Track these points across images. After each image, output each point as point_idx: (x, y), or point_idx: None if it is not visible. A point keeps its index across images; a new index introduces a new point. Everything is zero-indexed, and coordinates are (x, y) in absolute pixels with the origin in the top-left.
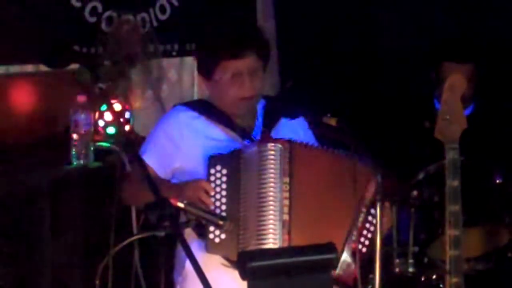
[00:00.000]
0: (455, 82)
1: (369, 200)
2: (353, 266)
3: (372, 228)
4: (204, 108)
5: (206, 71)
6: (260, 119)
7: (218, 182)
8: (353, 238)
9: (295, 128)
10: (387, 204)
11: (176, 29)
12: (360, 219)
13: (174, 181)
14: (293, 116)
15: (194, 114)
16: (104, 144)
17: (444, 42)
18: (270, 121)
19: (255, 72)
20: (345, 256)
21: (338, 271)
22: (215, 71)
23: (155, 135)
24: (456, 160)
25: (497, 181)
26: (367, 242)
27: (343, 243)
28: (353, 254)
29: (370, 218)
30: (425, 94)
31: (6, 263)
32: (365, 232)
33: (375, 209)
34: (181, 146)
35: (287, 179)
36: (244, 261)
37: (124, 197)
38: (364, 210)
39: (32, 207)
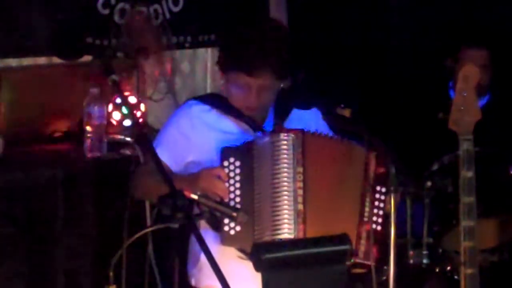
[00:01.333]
0: (469, 72)
1: (372, 178)
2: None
3: (382, 205)
4: (216, 101)
5: (221, 66)
6: (271, 111)
7: (231, 174)
8: (366, 219)
9: (307, 119)
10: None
11: (189, 21)
12: (368, 198)
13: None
14: (306, 107)
15: (206, 107)
16: (117, 136)
17: (459, 28)
18: (282, 113)
19: (265, 89)
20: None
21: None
22: (228, 73)
23: (168, 129)
24: (470, 151)
25: (511, 172)
26: (380, 220)
27: (356, 226)
28: (369, 234)
29: (377, 195)
30: (439, 84)
31: (20, 255)
32: (375, 210)
33: (381, 185)
34: (194, 139)
35: (300, 169)
36: (258, 253)
37: (136, 192)
38: (369, 188)
39: (45, 200)
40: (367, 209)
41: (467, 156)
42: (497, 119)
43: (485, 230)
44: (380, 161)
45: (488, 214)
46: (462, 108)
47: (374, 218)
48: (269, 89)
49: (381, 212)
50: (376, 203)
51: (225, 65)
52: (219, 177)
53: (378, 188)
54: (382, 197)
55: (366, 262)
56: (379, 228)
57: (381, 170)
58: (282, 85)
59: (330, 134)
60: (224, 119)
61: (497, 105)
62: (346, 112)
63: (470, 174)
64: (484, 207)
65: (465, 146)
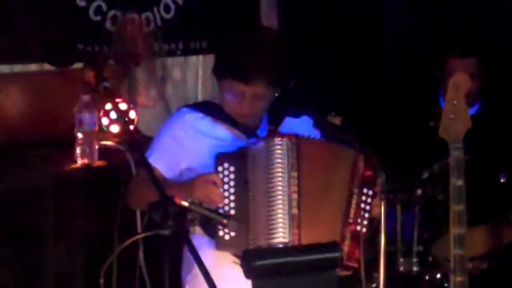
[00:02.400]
0: (460, 81)
1: (359, 180)
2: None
3: (367, 208)
4: (209, 109)
5: (216, 75)
6: (265, 118)
7: (226, 179)
8: (350, 220)
9: (299, 127)
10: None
11: (181, 28)
12: (354, 200)
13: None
14: (297, 115)
15: (199, 115)
16: (108, 143)
17: (447, 37)
18: (275, 120)
19: (259, 97)
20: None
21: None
22: (223, 81)
23: (161, 137)
24: (460, 159)
25: (502, 180)
26: (365, 222)
27: (341, 227)
28: (353, 236)
29: (364, 198)
30: (429, 92)
31: (9, 263)
32: (361, 212)
33: (368, 188)
34: (187, 147)
35: (295, 173)
36: (249, 260)
37: (130, 201)
38: (356, 190)
39: (36, 206)
40: (352, 210)
41: (457, 164)
42: (488, 128)
43: (475, 237)
44: (368, 164)
45: (478, 221)
46: (452, 116)
47: (359, 220)
48: (263, 97)
49: (366, 215)
50: (362, 205)
51: (220, 72)
52: (214, 183)
53: (365, 190)
54: (369, 200)
55: (349, 264)
56: (363, 230)
57: (369, 173)
58: (276, 94)
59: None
60: (218, 126)
61: (488, 114)
62: (337, 120)
63: (460, 182)
64: (474, 215)
65: (455, 154)
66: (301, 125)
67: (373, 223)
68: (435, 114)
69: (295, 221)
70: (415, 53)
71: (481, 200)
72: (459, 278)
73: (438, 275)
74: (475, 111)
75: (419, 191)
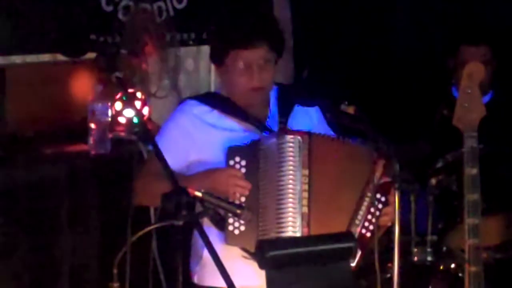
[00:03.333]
0: (473, 69)
1: (375, 185)
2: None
3: (377, 213)
4: (216, 101)
5: (217, 58)
6: (274, 107)
7: None
8: (357, 222)
9: (309, 115)
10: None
11: (193, 18)
12: (365, 203)
13: (190, 174)
14: (308, 105)
15: (207, 108)
16: (121, 133)
17: (459, 26)
18: (285, 109)
19: (265, 64)
20: None
21: None
22: (226, 58)
23: (168, 129)
24: (474, 148)
25: None
26: (371, 227)
27: (346, 227)
28: (358, 238)
29: (375, 203)
30: (443, 81)
31: (24, 253)
32: (369, 216)
33: (381, 194)
34: (196, 139)
35: (306, 171)
36: (263, 251)
37: (138, 198)
38: (369, 194)
39: (49, 197)
40: (361, 213)
41: (471, 154)
42: (501, 116)
43: (489, 227)
44: (387, 171)
45: (492, 211)
46: (466, 105)
47: (366, 224)
48: (268, 63)
49: (374, 220)
50: (372, 209)
51: (220, 51)
52: (238, 178)
53: (378, 195)
54: (380, 206)
55: None
56: (368, 234)
57: (386, 179)
58: (276, 58)
59: (334, 135)
60: (226, 119)
61: (501, 102)
62: (350, 109)
63: (474, 171)
64: (489, 205)
65: (470, 143)
66: (311, 113)
67: (379, 230)
68: (449, 103)
69: (305, 219)
70: (427, 42)
71: (495, 189)
72: (473, 268)
73: (453, 265)
74: (487, 100)
75: (433, 181)
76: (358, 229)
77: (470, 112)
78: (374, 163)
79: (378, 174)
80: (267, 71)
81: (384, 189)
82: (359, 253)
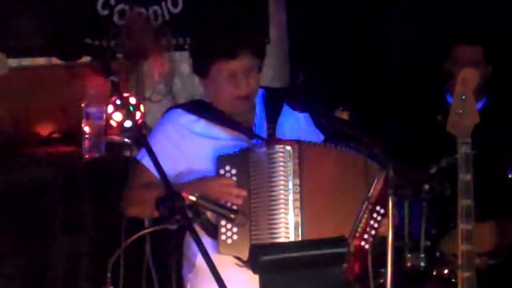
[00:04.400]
0: (468, 76)
1: (375, 197)
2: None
3: (376, 225)
4: (202, 110)
5: (200, 70)
6: (260, 111)
7: None
8: (357, 234)
9: (297, 118)
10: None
11: (188, 23)
12: (365, 215)
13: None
14: (298, 110)
15: (193, 117)
16: (116, 137)
17: (453, 28)
18: (273, 114)
19: (250, 72)
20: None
21: None
22: (209, 71)
23: (155, 139)
24: (468, 154)
25: (510, 175)
26: (370, 239)
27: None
28: (356, 250)
29: (375, 215)
30: (437, 88)
31: (17, 257)
32: (368, 229)
33: (381, 206)
34: (185, 149)
35: (297, 181)
36: (256, 255)
37: (129, 209)
38: (370, 207)
39: (43, 200)
40: (361, 225)
41: (465, 159)
42: (494, 122)
43: (483, 233)
44: (388, 183)
45: (486, 217)
46: (461, 111)
47: (365, 236)
48: (253, 70)
49: (373, 232)
50: (372, 222)
51: (203, 64)
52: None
53: (377, 208)
54: (379, 218)
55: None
56: (366, 246)
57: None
58: (261, 65)
59: (323, 141)
60: (213, 127)
61: (495, 108)
62: (344, 115)
63: (468, 177)
64: (482, 210)
65: (463, 149)
66: (299, 118)
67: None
68: (443, 110)
69: (297, 228)
70: (421, 49)
71: (489, 195)
72: (466, 274)
73: (446, 271)
74: (481, 106)
75: (426, 186)
76: (357, 242)
77: (464, 118)
78: (376, 175)
79: (379, 186)
80: (252, 78)
81: (384, 200)
82: (357, 265)
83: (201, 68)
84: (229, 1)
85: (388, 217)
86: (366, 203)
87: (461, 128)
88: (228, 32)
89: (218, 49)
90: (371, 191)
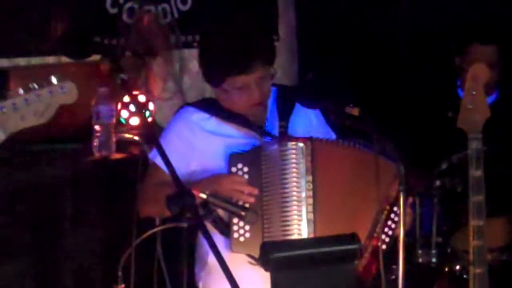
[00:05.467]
0: (478, 71)
1: (393, 198)
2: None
3: (393, 226)
4: (214, 108)
5: (212, 82)
6: (272, 109)
7: None
8: (375, 235)
9: (308, 116)
10: (410, 200)
11: (197, 20)
12: (383, 216)
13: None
14: (309, 106)
15: (205, 115)
16: (126, 135)
17: (469, 24)
18: (285, 112)
19: (263, 80)
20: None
21: None
22: (222, 83)
23: (167, 137)
24: (479, 150)
25: None
26: (387, 240)
27: (365, 240)
28: (374, 250)
29: (392, 215)
30: (448, 83)
31: (27, 254)
32: (386, 229)
33: (398, 206)
34: (197, 147)
35: (310, 178)
36: (267, 252)
37: (143, 209)
38: (388, 208)
39: (54, 199)
40: (379, 225)
41: (476, 155)
42: (505, 117)
43: (494, 229)
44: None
45: (497, 213)
46: (471, 106)
47: (383, 236)
48: (266, 79)
49: (390, 232)
50: (389, 222)
51: (215, 78)
52: (241, 184)
53: (395, 208)
54: (396, 219)
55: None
56: (384, 246)
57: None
58: (273, 72)
59: (335, 138)
60: (225, 125)
61: (505, 103)
62: (355, 111)
63: (479, 173)
64: (493, 206)
65: (474, 145)
66: (311, 114)
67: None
68: (454, 105)
69: (311, 226)
70: (432, 44)
71: (500, 191)
72: (478, 270)
73: (457, 267)
74: (492, 101)
75: (437, 183)
76: (375, 242)
77: (475, 114)
78: (391, 179)
79: (395, 192)
80: (265, 85)
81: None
82: (374, 265)
83: (213, 81)
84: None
85: (400, 214)
86: (384, 203)
87: (472, 124)
88: (240, 48)
89: (231, 65)
90: (390, 192)
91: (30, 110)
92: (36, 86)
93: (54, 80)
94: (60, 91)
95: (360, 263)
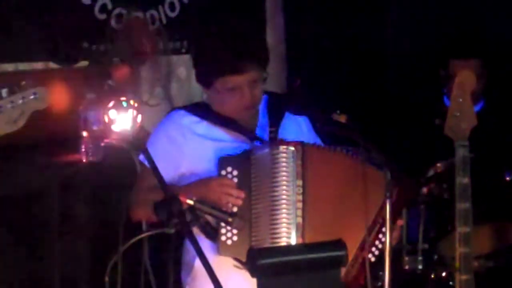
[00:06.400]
0: (465, 79)
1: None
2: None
3: (383, 239)
4: (204, 112)
5: (204, 82)
6: (263, 116)
7: None
8: (366, 247)
9: (298, 124)
10: (400, 222)
11: (185, 26)
12: (376, 228)
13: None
14: (297, 113)
15: (196, 118)
16: (113, 142)
17: (450, 39)
18: (275, 118)
19: (255, 83)
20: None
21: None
22: (214, 84)
23: (157, 139)
24: (465, 157)
25: (507, 178)
26: (376, 252)
27: (355, 251)
28: (363, 262)
29: (384, 229)
30: (434, 91)
31: (14, 262)
32: (377, 242)
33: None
34: (186, 150)
35: (300, 182)
36: (254, 259)
37: (134, 213)
38: (380, 221)
39: (41, 205)
40: (371, 238)
41: (463, 162)
42: (492, 125)
43: (480, 236)
44: (400, 193)
45: (483, 220)
46: (458, 114)
47: (373, 249)
48: (258, 81)
49: (380, 246)
50: (380, 235)
51: (208, 77)
52: (229, 186)
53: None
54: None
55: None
56: (373, 259)
57: (397, 207)
58: (265, 75)
59: (323, 144)
60: (216, 129)
61: (492, 111)
62: (342, 118)
63: (465, 180)
64: (480, 213)
65: (461, 152)
66: (301, 121)
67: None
68: (440, 113)
69: (299, 230)
70: (419, 52)
71: (486, 198)
72: (464, 277)
73: (444, 274)
74: (478, 109)
75: (424, 190)
76: (365, 254)
77: (462, 121)
78: (389, 189)
79: (391, 201)
80: (257, 88)
81: (395, 216)
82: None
83: (205, 81)
84: (225, 6)
85: (386, 221)
86: (377, 218)
87: (459, 131)
88: (233, 48)
89: (224, 65)
90: (383, 205)
91: (3, 118)
92: (7, 92)
93: (25, 85)
94: (32, 97)
95: (350, 274)
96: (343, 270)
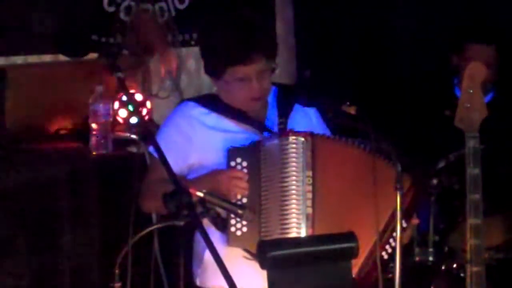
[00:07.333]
0: (475, 70)
1: (403, 210)
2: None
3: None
4: (214, 103)
5: (212, 73)
6: (272, 108)
7: None
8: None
9: (308, 115)
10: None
11: (195, 18)
12: (390, 227)
13: (191, 177)
14: (307, 105)
15: (205, 110)
16: (123, 134)
17: (467, 23)
18: (284, 110)
19: (263, 74)
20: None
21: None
22: (223, 74)
23: (167, 131)
24: (476, 148)
25: None
26: (390, 250)
27: (369, 249)
28: (376, 259)
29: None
30: (445, 81)
31: (25, 254)
32: (391, 240)
33: (405, 220)
34: (196, 141)
35: (309, 173)
36: (264, 251)
37: (144, 205)
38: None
39: (51, 198)
40: (386, 235)
41: (473, 153)
42: (502, 116)
43: (491, 227)
44: (411, 190)
45: (494, 211)
46: (468, 105)
47: (387, 247)
48: (266, 72)
49: (393, 244)
50: (395, 234)
51: (216, 68)
52: (239, 179)
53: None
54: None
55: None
56: (385, 257)
57: (409, 202)
58: (274, 66)
59: (334, 135)
60: (225, 120)
61: (502, 102)
62: (352, 109)
63: (476, 171)
64: (491, 205)
65: (471, 143)
66: (310, 113)
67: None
68: (451, 104)
69: (309, 220)
70: (429, 41)
71: (497, 189)
72: (475, 268)
73: (454, 265)
74: (489, 99)
75: (435, 181)
76: (380, 251)
77: (472, 113)
78: (405, 187)
79: (408, 198)
80: (266, 80)
81: (408, 213)
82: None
83: (213, 71)
84: None
85: (397, 211)
86: (391, 218)
87: (469, 122)
88: (242, 37)
89: (233, 55)
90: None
91: None
92: None
93: None
94: None
95: (363, 270)
96: (355, 268)
